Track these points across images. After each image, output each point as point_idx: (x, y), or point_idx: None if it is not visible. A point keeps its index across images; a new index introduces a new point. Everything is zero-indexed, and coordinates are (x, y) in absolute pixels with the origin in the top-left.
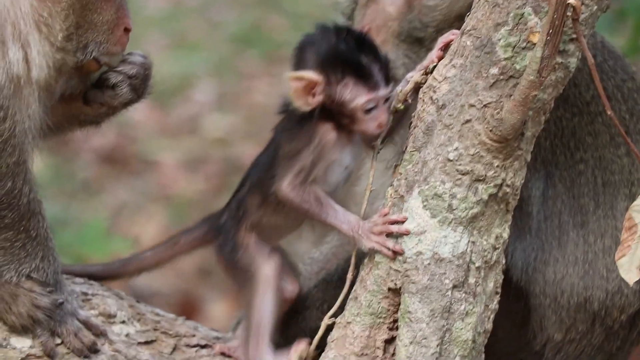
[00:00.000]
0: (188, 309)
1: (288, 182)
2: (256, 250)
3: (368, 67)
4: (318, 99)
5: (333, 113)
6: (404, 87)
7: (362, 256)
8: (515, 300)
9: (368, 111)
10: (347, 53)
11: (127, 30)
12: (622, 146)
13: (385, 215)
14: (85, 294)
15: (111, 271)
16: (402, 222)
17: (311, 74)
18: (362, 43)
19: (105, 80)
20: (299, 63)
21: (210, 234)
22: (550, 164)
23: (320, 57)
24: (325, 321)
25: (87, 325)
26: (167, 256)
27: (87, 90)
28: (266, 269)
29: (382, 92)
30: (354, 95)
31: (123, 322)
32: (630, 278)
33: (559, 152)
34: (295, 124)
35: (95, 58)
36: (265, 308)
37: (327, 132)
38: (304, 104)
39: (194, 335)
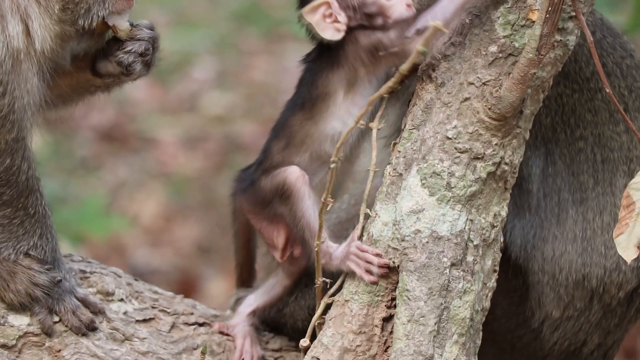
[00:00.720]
0: (186, 287)
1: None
2: (275, 171)
3: None
4: (342, 18)
5: (361, 27)
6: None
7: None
8: (514, 277)
9: None
10: None
11: None
12: (621, 123)
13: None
14: (84, 271)
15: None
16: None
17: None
18: None
19: (119, 62)
20: (304, 3)
21: (242, 199)
22: (550, 142)
23: None
24: (324, 300)
25: (85, 303)
26: (245, 224)
27: (95, 61)
28: (292, 175)
29: None
30: None
31: (121, 299)
32: (628, 256)
33: (559, 129)
34: (313, 64)
35: (104, 19)
36: (309, 212)
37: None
38: (335, 31)
39: (192, 314)
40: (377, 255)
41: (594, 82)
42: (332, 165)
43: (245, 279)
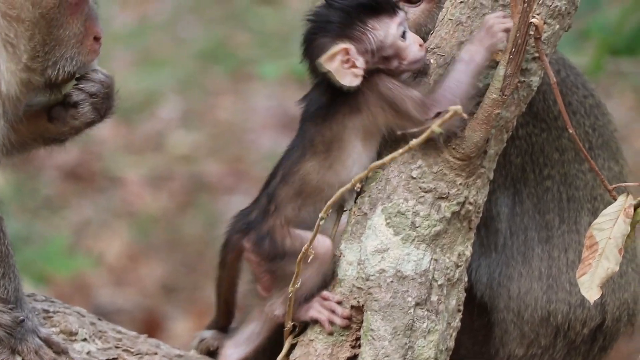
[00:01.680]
0: (150, 326)
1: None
2: (302, 234)
3: (374, 1)
4: (361, 62)
5: (378, 70)
6: None
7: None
8: (478, 316)
9: (403, 36)
10: (348, 5)
11: (97, 38)
12: (586, 162)
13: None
14: (47, 311)
15: None
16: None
17: (337, 46)
18: None
19: (67, 97)
20: (320, 51)
21: (241, 240)
22: (519, 181)
23: (334, 28)
24: (289, 340)
25: (48, 342)
26: (232, 276)
27: (51, 107)
28: (323, 249)
29: (401, 13)
30: (385, 30)
31: (84, 339)
32: (591, 296)
33: (528, 169)
34: (324, 108)
35: (69, 74)
36: (314, 282)
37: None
38: (353, 77)
39: (155, 353)
40: (339, 302)
41: (562, 121)
42: (321, 222)
43: (223, 323)
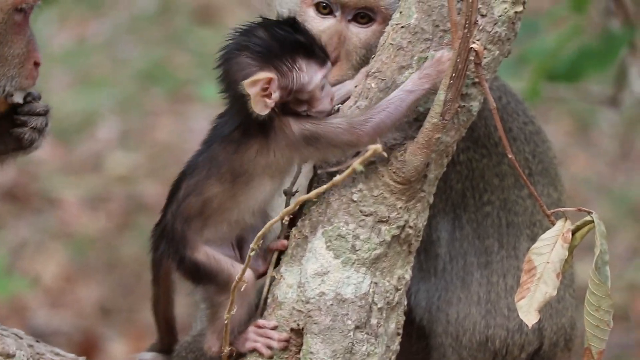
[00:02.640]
0: (88, 348)
1: None
2: (217, 259)
3: (311, 45)
4: (276, 95)
5: (288, 107)
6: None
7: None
8: (417, 340)
9: (322, 87)
10: (287, 39)
11: (36, 64)
12: (525, 188)
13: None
14: None
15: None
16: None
17: (264, 73)
18: (291, 26)
19: (18, 137)
20: (242, 71)
21: (162, 258)
22: (459, 207)
23: (264, 54)
24: None
25: None
26: (167, 289)
27: None
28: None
29: (329, 64)
30: (311, 76)
31: None
32: (529, 320)
33: (468, 194)
34: (237, 137)
35: (8, 94)
36: (240, 313)
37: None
38: (263, 107)
39: None
40: (275, 328)
41: (502, 147)
42: (252, 253)
43: (166, 343)
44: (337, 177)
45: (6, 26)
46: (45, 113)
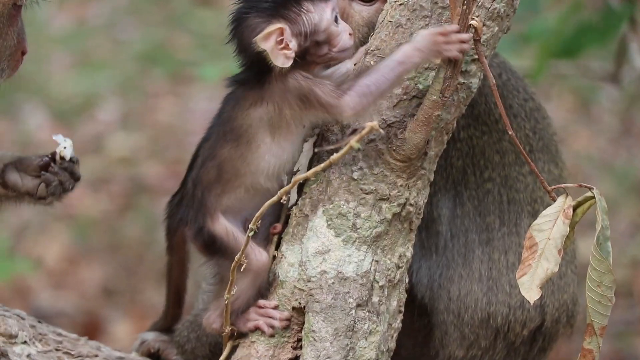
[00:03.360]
0: (91, 329)
1: None
2: (236, 236)
3: None
4: (294, 44)
5: (310, 54)
6: None
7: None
8: (419, 318)
9: (336, 21)
10: None
11: (23, 53)
12: (526, 165)
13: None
14: None
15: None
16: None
17: (273, 25)
18: None
19: (44, 180)
20: (253, 31)
21: (179, 225)
22: (460, 184)
23: (268, 8)
24: (229, 344)
25: None
26: (181, 258)
27: (4, 170)
28: (259, 262)
29: None
30: (320, 14)
31: (24, 342)
32: (531, 296)
33: (469, 171)
34: (237, 94)
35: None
36: (249, 295)
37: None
38: (285, 59)
39: (96, 356)
40: (276, 307)
41: (503, 124)
42: (250, 233)
43: (171, 316)
44: (335, 155)
45: (3, 19)
46: (76, 179)
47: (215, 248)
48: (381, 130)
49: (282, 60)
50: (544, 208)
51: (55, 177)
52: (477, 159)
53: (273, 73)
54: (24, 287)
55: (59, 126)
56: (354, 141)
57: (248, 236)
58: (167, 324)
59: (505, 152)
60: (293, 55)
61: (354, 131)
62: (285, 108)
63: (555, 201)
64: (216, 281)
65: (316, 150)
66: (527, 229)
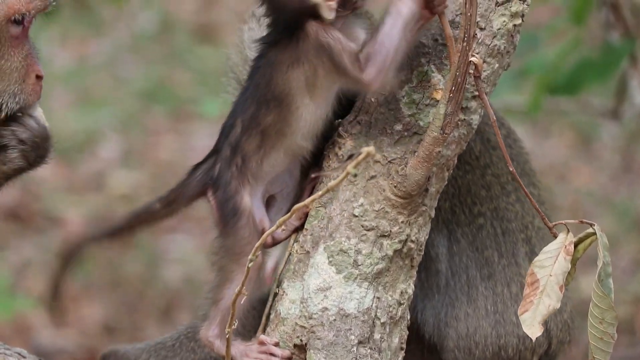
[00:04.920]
0: None
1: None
2: (252, 220)
3: None
4: None
5: (315, 19)
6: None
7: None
8: (430, 355)
9: None
10: None
11: (39, 77)
12: (512, 193)
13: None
14: None
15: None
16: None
17: None
18: None
19: None
20: None
21: (206, 187)
22: (451, 223)
23: None
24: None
25: None
26: (169, 212)
27: None
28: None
29: None
30: None
31: None
32: (533, 333)
33: (458, 210)
34: (271, 58)
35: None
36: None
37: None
38: (331, 11)
39: None
40: (277, 344)
41: (483, 158)
42: (250, 264)
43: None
44: (332, 182)
45: (1, 38)
46: (33, 129)
47: (231, 223)
48: (378, 155)
49: (329, 12)
50: (536, 232)
51: (17, 138)
52: (464, 197)
53: (307, 31)
54: (24, 325)
55: (60, 162)
56: (350, 166)
57: (248, 267)
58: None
59: (490, 186)
60: (335, 6)
61: (350, 157)
62: (319, 67)
63: (556, 237)
64: (217, 274)
65: (313, 175)
66: (524, 256)
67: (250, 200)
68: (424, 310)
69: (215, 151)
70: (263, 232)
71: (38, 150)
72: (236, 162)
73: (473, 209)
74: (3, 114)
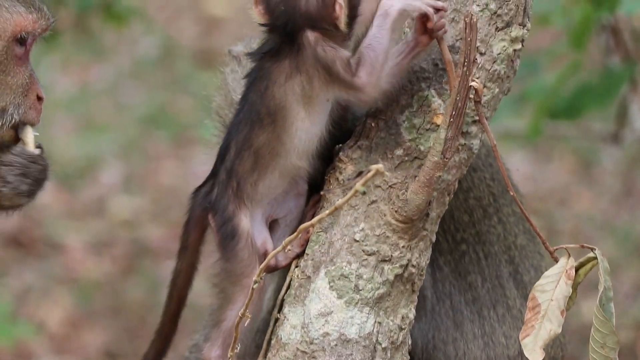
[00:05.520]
0: None
1: None
2: (252, 242)
3: None
4: (344, 6)
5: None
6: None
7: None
8: None
9: None
10: None
11: (39, 98)
12: (494, 215)
13: None
14: None
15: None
16: None
17: None
18: None
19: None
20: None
21: (206, 215)
22: (433, 251)
23: None
24: None
25: None
26: (193, 262)
27: None
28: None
29: None
30: None
31: None
32: (535, 358)
33: (441, 239)
34: (267, 73)
35: (15, 127)
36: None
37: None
38: (345, 20)
39: None
40: None
41: (465, 182)
42: (254, 285)
43: (164, 339)
44: (340, 200)
45: (7, 55)
46: (43, 166)
47: (229, 246)
48: (387, 173)
49: (344, 23)
50: (519, 252)
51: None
52: (447, 224)
53: (306, 41)
54: (26, 352)
55: (61, 188)
56: (359, 185)
57: (252, 289)
58: (158, 348)
59: (473, 210)
60: (346, 18)
61: (359, 174)
62: (314, 77)
63: (557, 261)
64: (218, 296)
65: (322, 192)
66: (508, 277)
67: (249, 223)
68: (412, 332)
69: (213, 175)
70: (265, 254)
71: (39, 183)
72: (232, 186)
73: (456, 235)
74: (8, 125)
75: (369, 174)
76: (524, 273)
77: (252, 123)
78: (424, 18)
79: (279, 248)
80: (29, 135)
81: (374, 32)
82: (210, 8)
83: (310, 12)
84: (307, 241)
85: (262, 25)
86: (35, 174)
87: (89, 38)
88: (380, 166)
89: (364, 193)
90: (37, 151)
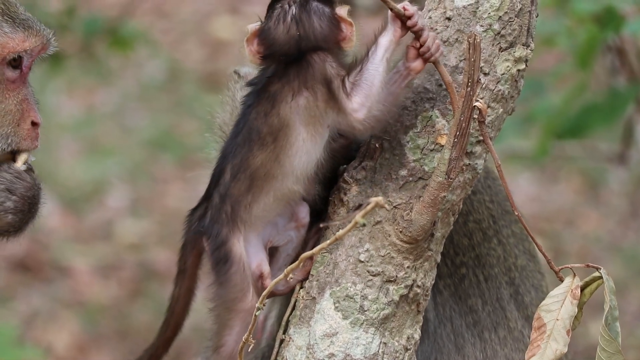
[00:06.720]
0: None
1: None
2: (246, 267)
3: None
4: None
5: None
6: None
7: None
8: None
9: None
10: None
11: (35, 124)
12: (494, 238)
13: None
14: None
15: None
16: None
17: (342, 9)
18: None
19: None
20: (323, 12)
21: (200, 238)
22: None
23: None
24: None
25: None
26: (190, 287)
27: None
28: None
29: None
30: None
31: None
32: None
33: (441, 262)
34: (272, 92)
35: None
36: (237, 342)
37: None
38: (354, 40)
39: None
40: None
41: (465, 205)
42: (257, 312)
43: (163, 343)
44: (341, 231)
45: None
46: (32, 186)
47: (223, 270)
48: (386, 206)
49: (352, 44)
50: (519, 273)
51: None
52: (446, 249)
53: (313, 60)
54: None
55: (68, 212)
56: (359, 216)
57: (255, 315)
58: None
59: (472, 233)
60: (354, 38)
61: (359, 206)
62: (318, 93)
63: (562, 281)
64: (214, 321)
65: (321, 225)
66: (509, 299)
67: (243, 247)
68: (415, 355)
69: (206, 198)
70: (261, 276)
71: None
72: (225, 210)
73: (455, 259)
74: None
75: (369, 207)
76: (525, 294)
77: (251, 143)
78: (415, 43)
79: (281, 276)
80: (22, 155)
81: (370, 63)
82: (215, 31)
83: (325, 33)
84: (308, 271)
85: (261, 57)
86: (22, 191)
87: (95, 61)
88: (380, 199)
89: (363, 225)
90: (23, 167)
